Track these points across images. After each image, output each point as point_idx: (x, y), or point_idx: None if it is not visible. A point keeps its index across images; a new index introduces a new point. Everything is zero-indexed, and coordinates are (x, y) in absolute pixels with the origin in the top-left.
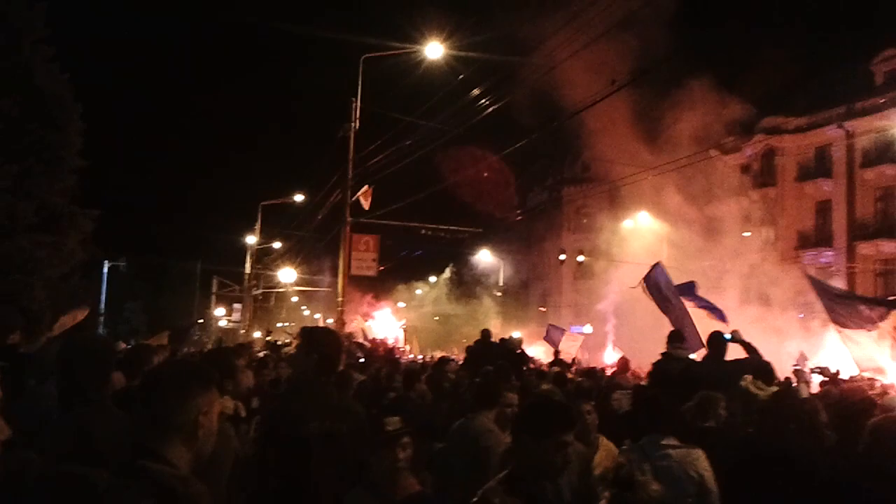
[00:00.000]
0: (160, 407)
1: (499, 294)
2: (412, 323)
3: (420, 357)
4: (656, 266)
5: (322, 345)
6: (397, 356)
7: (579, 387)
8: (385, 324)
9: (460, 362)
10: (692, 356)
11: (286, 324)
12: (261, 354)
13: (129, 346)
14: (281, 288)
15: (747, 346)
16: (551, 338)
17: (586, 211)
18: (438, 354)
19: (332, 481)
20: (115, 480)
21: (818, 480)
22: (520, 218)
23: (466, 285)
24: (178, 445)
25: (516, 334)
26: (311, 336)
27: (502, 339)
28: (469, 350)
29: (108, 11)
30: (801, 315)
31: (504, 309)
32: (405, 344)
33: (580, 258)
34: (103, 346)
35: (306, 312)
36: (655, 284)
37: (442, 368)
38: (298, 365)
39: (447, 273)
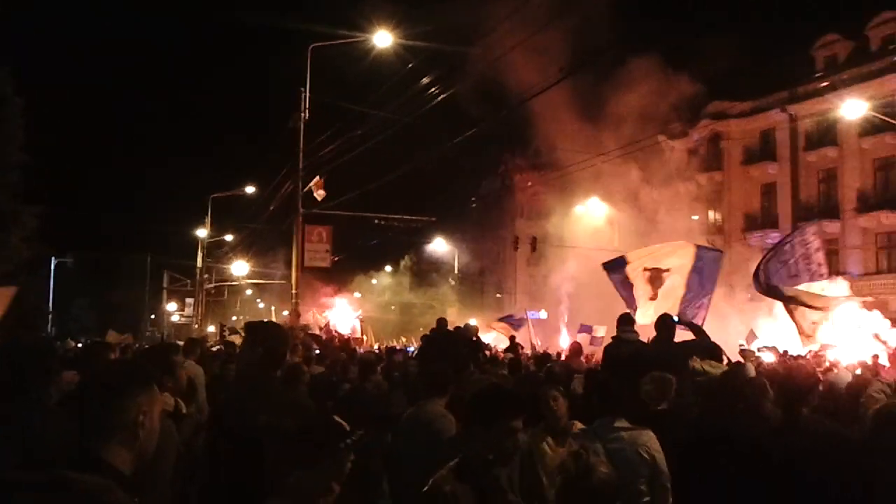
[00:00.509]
0: (99, 408)
1: (455, 282)
2: (369, 313)
3: (376, 347)
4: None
5: (267, 338)
6: (353, 347)
7: (550, 372)
8: (342, 315)
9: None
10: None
11: (240, 318)
12: (215, 349)
13: (81, 344)
14: (234, 281)
15: (695, 328)
16: (512, 324)
17: (538, 197)
18: (395, 344)
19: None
20: (29, 494)
21: (762, 459)
22: (474, 206)
23: (423, 274)
24: (118, 446)
25: (473, 322)
26: (255, 330)
27: (458, 328)
28: (425, 339)
29: (50, 4)
30: (750, 296)
31: (461, 297)
32: (362, 334)
33: (532, 245)
34: (45, 345)
35: (261, 305)
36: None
37: (391, 358)
38: (244, 359)
39: (405, 262)
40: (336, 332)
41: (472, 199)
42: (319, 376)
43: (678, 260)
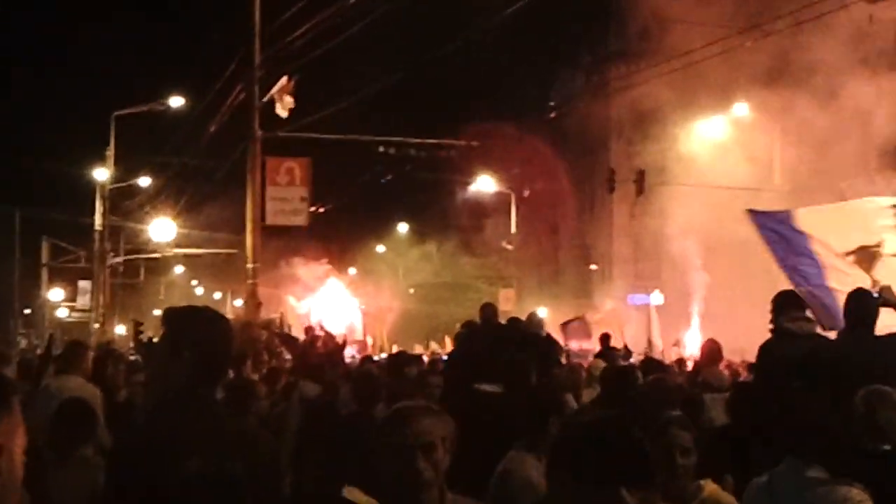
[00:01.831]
0: None
1: (509, 247)
2: (377, 302)
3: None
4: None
5: (198, 336)
6: (340, 356)
7: (663, 388)
8: (333, 304)
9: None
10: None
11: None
12: (132, 358)
13: None
14: (154, 252)
15: None
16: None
17: (646, 105)
18: (421, 351)
19: None
20: None
21: None
22: (539, 122)
23: (461, 236)
24: None
25: (541, 312)
26: (177, 322)
27: (513, 322)
28: (459, 339)
29: None
30: None
31: (523, 271)
32: (365, 335)
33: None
34: None
35: (199, 291)
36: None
37: (400, 371)
38: (161, 371)
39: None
40: (324, 330)
41: (538, 111)
42: (317, 402)
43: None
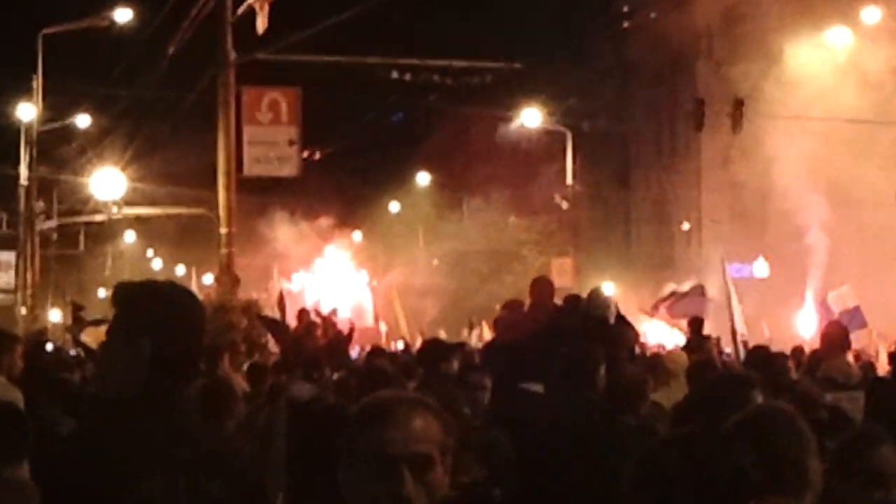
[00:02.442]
0: None
1: (564, 203)
2: (391, 277)
3: (402, 344)
4: None
5: (162, 320)
6: (342, 347)
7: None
8: (334, 281)
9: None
10: None
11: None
12: (73, 352)
13: None
14: (98, 214)
15: None
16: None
17: (744, 12)
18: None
19: None
20: None
21: None
22: (608, 35)
23: (496, 191)
24: None
25: (607, 288)
26: (134, 302)
27: (572, 298)
28: (500, 326)
29: None
30: None
31: (584, 234)
32: (376, 321)
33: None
34: None
35: (157, 264)
36: None
37: (435, 367)
38: (112, 367)
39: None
40: (321, 314)
41: (602, 22)
42: (312, 407)
43: None
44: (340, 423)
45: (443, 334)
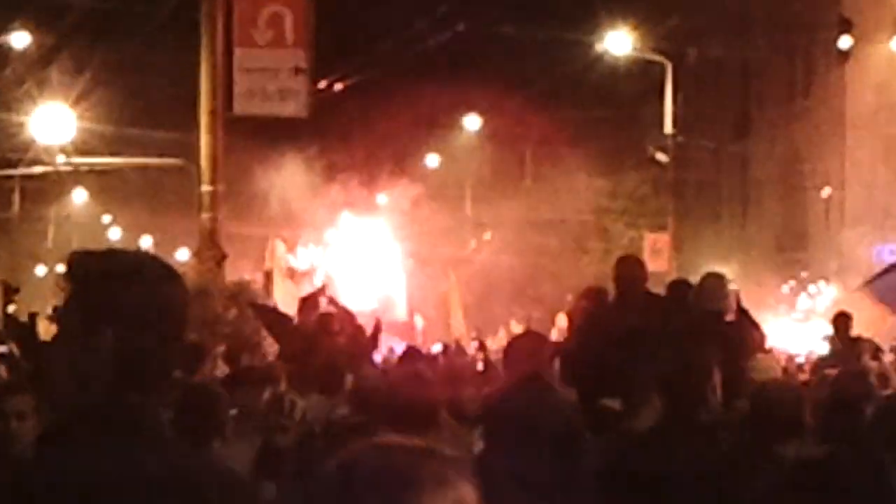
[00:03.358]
0: None
1: (663, 158)
2: (431, 253)
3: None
4: None
5: (131, 303)
6: (369, 348)
7: None
8: (355, 258)
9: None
10: None
11: (52, 268)
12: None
13: None
14: (39, 164)
15: None
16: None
17: None
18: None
19: None
20: None
21: None
22: None
23: (570, 142)
24: None
25: (728, 281)
26: (95, 277)
27: (677, 286)
28: (577, 321)
29: None
30: None
31: (684, 202)
32: (411, 313)
33: None
34: None
35: (114, 234)
36: None
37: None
38: (64, 365)
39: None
40: (336, 303)
41: None
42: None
43: None
44: None
45: (515, 328)
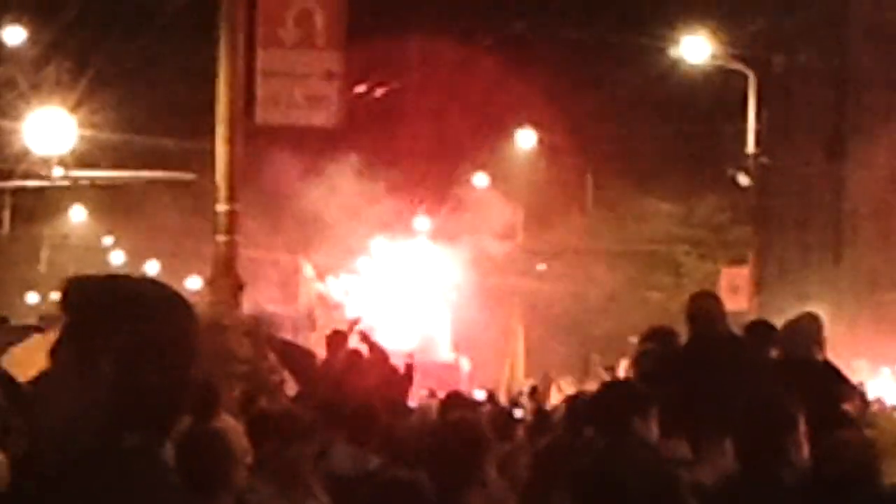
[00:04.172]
0: None
1: (745, 180)
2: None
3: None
4: None
5: (132, 335)
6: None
7: None
8: (391, 290)
9: None
10: None
11: (46, 298)
12: None
13: None
14: (34, 177)
15: None
16: None
17: None
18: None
19: None
20: None
21: None
22: None
23: (637, 160)
24: None
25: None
26: (94, 305)
27: (759, 327)
28: (642, 365)
29: None
30: None
31: (768, 230)
32: (457, 354)
33: None
34: None
35: (116, 257)
36: None
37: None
38: (57, 404)
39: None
40: (368, 339)
41: None
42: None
43: None
44: None
45: (602, 372)
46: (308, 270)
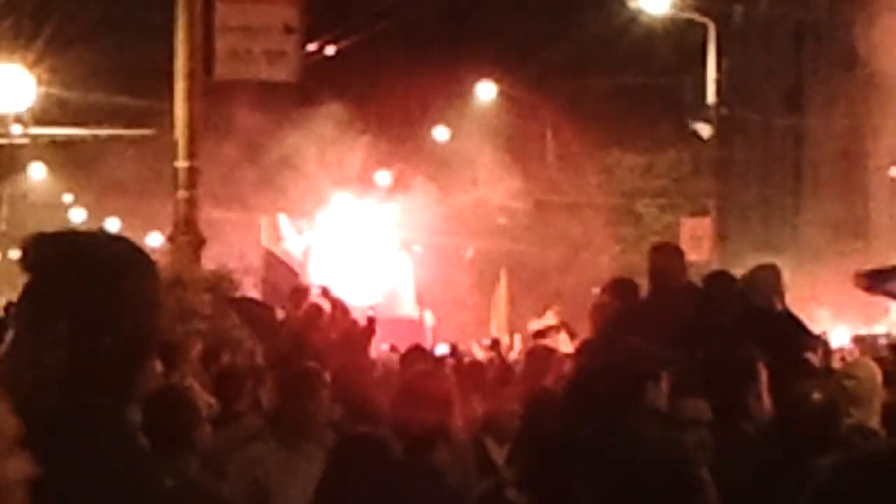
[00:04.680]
0: None
1: (705, 131)
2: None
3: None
4: None
5: (92, 292)
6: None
7: None
8: (352, 243)
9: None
10: None
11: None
12: None
13: None
14: None
15: None
16: None
17: None
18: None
19: None
20: None
21: None
22: None
23: (597, 112)
24: None
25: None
26: (52, 262)
27: (718, 279)
28: (601, 318)
29: None
30: None
31: (728, 183)
32: (421, 309)
33: None
34: None
35: (77, 214)
36: None
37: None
38: (18, 364)
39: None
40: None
41: None
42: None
43: None
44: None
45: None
46: (284, 224)
